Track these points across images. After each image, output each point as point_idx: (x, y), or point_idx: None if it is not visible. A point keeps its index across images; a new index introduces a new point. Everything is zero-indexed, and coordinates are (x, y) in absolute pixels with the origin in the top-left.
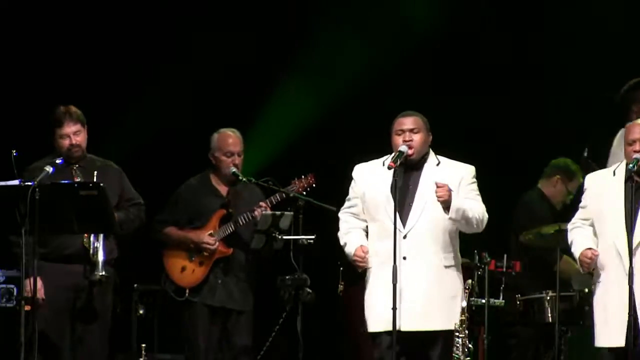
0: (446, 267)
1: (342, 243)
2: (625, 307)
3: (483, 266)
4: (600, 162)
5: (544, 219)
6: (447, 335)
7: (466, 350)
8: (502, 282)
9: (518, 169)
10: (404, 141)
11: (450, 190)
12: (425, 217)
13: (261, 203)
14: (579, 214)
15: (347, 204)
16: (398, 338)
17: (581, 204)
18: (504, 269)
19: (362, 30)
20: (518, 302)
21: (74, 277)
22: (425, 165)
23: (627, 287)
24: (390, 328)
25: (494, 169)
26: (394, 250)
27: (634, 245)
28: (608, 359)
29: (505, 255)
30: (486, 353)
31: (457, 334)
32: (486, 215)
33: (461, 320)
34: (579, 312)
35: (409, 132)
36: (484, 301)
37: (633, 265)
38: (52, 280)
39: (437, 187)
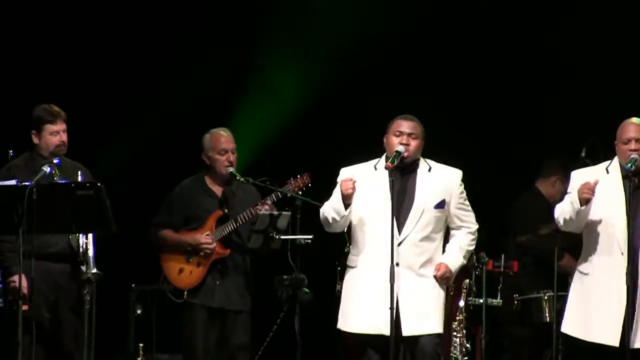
0: (442, 279)
1: (324, 213)
2: (622, 306)
3: (481, 266)
4: (599, 161)
5: (541, 219)
6: (438, 341)
7: (464, 350)
8: (499, 282)
9: (517, 169)
10: (401, 144)
11: (448, 267)
12: (420, 225)
13: (265, 200)
14: (566, 199)
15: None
16: (384, 343)
17: (568, 194)
18: (502, 269)
19: (358, 25)
20: (515, 302)
21: (58, 276)
22: (418, 170)
23: (625, 286)
24: (377, 332)
25: (493, 168)
26: (391, 252)
27: (636, 244)
28: (594, 354)
29: (502, 255)
30: (484, 353)
31: (454, 333)
32: (475, 236)
33: (459, 320)
34: None
35: (407, 136)
36: (481, 301)
37: (633, 265)
38: (35, 278)
39: (437, 271)
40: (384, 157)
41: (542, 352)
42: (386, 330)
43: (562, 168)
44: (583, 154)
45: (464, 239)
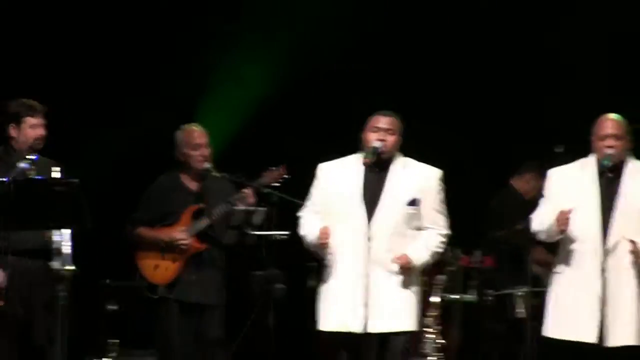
0: (404, 270)
1: (303, 238)
2: (596, 303)
3: (455, 262)
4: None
5: (516, 215)
6: (405, 338)
7: (438, 346)
8: (474, 277)
9: (493, 164)
10: (378, 140)
11: (409, 259)
12: (390, 222)
13: (244, 190)
14: (543, 206)
15: (309, 203)
16: (355, 341)
17: (545, 197)
18: (477, 265)
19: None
20: (490, 298)
21: (33, 272)
22: (392, 167)
23: (600, 282)
24: (348, 329)
25: (469, 163)
26: (365, 249)
27: (611, 241)
28: (568, 352)
29: (477, 251)
30: (458, 349)
31: (428, 329)
32: (444, 240)
33: (433, 316)
34: None
35: (384, 131)
36: (456, 297)
37: (608, 261)
38: (10, 274)
39: (397, 259)
40: (361, 153)
41: (516, 348)
42: (356, 328)
43: (538, 166)
44: (559, 150)
45: (432, 240)
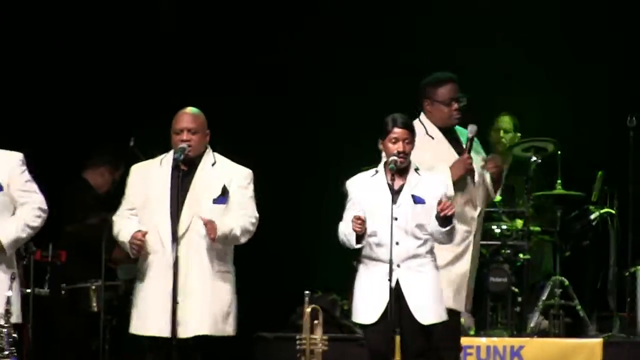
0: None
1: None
2: (168, 296)
3: (29, 255)
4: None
5: (89, 209)
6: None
7: (11, 340)
8: (47, 271)
9: (65, 154)
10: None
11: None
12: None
13: None
14: (124, 205)
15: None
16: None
17: (126, 195)
18: (50, 259)
19: None
20: (63, 292)
21: None
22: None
23: (171, 275)
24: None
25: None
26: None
27: (180, 233)
28: (149, 348)
29: (50, 245)
30: (32, 342)
31: (2, 323)
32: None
33: (6, 310)
34: (125, 301)
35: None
36: (29, 291)
37: (178, 253)
38: None
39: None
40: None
41: (89, 341)
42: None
43: (111, 159)
44: (132, 143)
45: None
